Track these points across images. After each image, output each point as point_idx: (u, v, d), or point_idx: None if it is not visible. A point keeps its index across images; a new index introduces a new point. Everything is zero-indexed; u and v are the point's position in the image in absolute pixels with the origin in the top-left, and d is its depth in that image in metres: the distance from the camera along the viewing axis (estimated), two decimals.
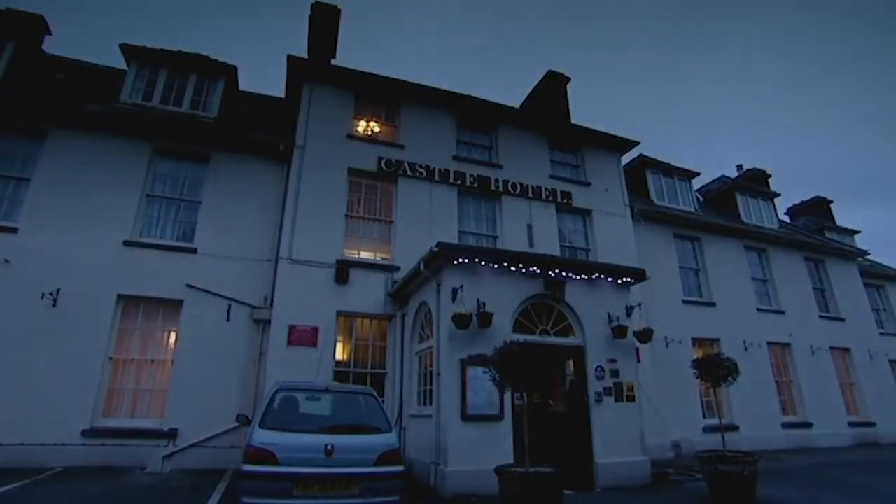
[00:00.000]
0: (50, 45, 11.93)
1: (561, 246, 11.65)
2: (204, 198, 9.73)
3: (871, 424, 14.26)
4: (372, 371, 9.29)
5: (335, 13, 12.29)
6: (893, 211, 76.12)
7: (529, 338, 7.59)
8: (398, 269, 9.72)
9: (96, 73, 11.61)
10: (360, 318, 9.56)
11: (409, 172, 10.74)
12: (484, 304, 7.42)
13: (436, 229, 10.21)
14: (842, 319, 15.48)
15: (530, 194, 11.70)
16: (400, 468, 4.96)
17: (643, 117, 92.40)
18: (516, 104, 14.27)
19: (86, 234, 8.70)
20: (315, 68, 11.04)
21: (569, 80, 14.42)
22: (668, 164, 15.30)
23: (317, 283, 9.20)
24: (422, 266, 7.98)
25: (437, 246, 7.53)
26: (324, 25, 12.12)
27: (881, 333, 16.49)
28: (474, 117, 12.18)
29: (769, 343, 13.69)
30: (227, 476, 7.28)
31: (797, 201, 21.36)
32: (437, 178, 10.94)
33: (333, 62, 11.95)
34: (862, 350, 15.29)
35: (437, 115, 11.69)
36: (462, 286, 7.40)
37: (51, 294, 8.18)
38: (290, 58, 10.51)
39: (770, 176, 18.68)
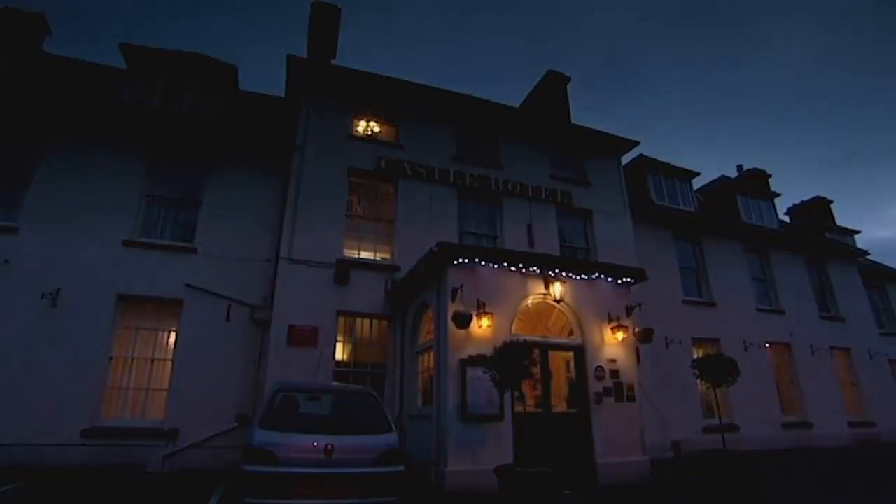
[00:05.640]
0: (50, 45, 11.94)
1: (561, 246, 11.65)
2: (204, 198, 9.73)
3: (872, 424, 14.26)
4: (372, 371, 9.29)
5: (335, 12, 12.29)
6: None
7: (529, 338, 7.60)
8: (398, 269, 9.72)
9: (96, 72, 11.61)
10: (360, 318, 9.55)
11: (409, 172, 10.74)
12: (484, 303, 7.42)
13: (436, 229, 10.20)
14: (842, 319, 15.48)
15: (530, 194, 11.70)
16: (400, 468, 4.95)
17: (644, 116, 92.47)
18: (516, 104, 14.28)
19: (86, 234, 8.70)
20: (315, 68, 11.04)
21: (569, 79, 14.43)
22: (668, 164, 15.28)
23: (317, 283, 9.20)
24: (422, 266, 7.98)
25: (437, 246, 7.53)
26: (324, 25, 12.11)
27: (881, 333, 16.48)
28: (474, 118, 12.17)
29: (769, 343, 13.70)
30: (226, 476, 7.28)
31: (797, 201, 21.35)
32: (437, 178, 10.93)
33: (334, 62, 11.94)
34: (862, 350, 15.29)
35: (437, 116, 11.68)
36: (462, 286, 7.40)
37: (51, 294, 8.17)
38: (290, 57, 10.50)
39: (770, 176, 18.66)
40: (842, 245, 17.57)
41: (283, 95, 11.99)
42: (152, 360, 8.75)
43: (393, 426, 5.30)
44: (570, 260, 10.47)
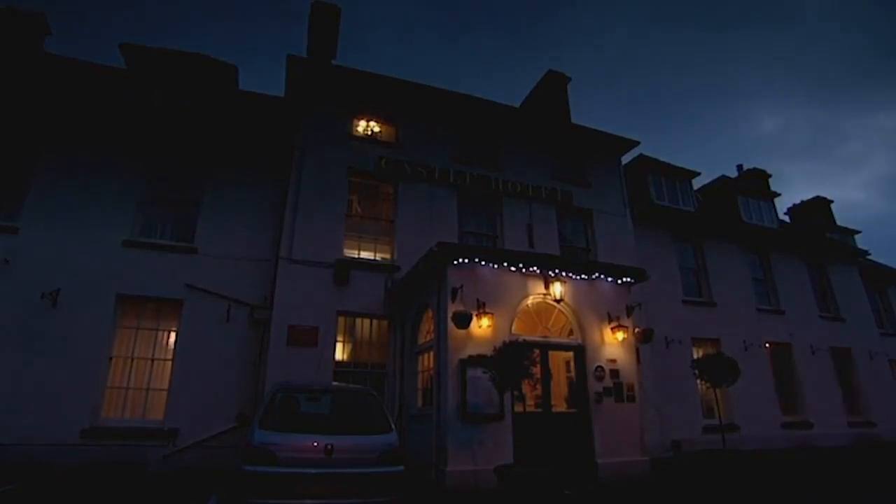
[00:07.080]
0: (50, 45, 11.94)
1: (561, 246, 11.64)
2: (204, 198, 9.72)
3: (872, 424, 14.26)
4: (372, 371, 9.28)
5: (335, 12, 12.27)
6: None
7: (529, 338, 7.61)
8: (398, 268, 9.71)
9: (96, 72, 11.60)
10: (360, 317, 9.55)
11: (409, 172, 10.74)
12: (484, 303, 7.42)
13: (436, 229, 10.19)
14: (842, 319, 15.48)
15: (530, 194, 11.69)
16: (400, 468, 4.95)
17: (643, 116, 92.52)
18: (516, 104, 14.28)
19: (86, 234, 8.70)
20: (315, 68, 11.04)
21: (569, 79, 14.41)
22: (668, 164, 15.26)
23: (317, 282, 9.19)
24: (422, 266, 7.99)
25: (437, 246, 7.53)
26: (324, 25, 12.10)
27: (881, 333, 16.49)
28: (474, 118, 12.16)
29: (769, 343, 13.69)
30: (226, 476, 7.27)
31: (797, 201, 21.35)
32: (437, 178, 10.93)
33: (334, 62, 11.93)
34: (862, 350, 15.29)
35: (437, 116, 11.67)
36: (462, 286, 7.40)
37: (51, 294, 8.16)
38: (290, 57, 10.50)
39: (770, 176, 18.66)
40: (842, 245, 17.57)
41: (283, 95, 11.98)
42: (152, 360, 8.75)
43: (393, 426, 5.30)
44: (570, 260, 10.45)
